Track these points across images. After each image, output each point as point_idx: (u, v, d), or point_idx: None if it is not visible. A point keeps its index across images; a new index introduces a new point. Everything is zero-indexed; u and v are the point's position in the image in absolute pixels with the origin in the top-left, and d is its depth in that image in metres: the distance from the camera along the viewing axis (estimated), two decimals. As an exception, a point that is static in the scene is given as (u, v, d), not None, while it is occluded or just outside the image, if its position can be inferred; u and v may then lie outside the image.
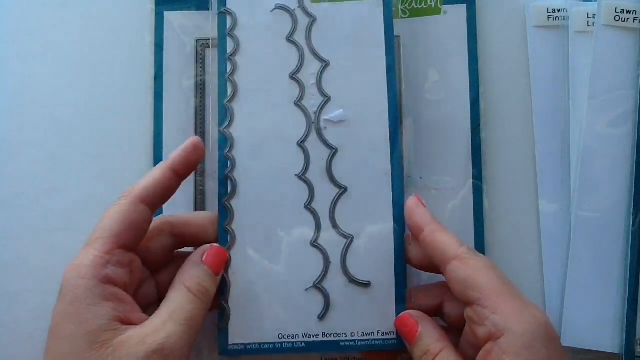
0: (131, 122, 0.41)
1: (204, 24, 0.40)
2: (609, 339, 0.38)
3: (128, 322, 0.31)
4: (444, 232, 0.34)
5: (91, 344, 0.29)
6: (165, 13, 0.41)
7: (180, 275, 0.33)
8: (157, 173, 0.34)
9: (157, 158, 0.40)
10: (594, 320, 0.38)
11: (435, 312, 0.36)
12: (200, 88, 0.40)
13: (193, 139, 0.36)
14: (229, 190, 0.36)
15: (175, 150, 0.35)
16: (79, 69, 0.42)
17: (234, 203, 0.36)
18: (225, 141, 0.37)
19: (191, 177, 0.39)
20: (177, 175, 0.35)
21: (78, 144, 0.41)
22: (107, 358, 0.29)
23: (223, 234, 0.36)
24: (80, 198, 0.40)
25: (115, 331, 0.30)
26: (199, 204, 0.40)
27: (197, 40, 0.41)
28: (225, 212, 0.36)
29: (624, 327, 0.37)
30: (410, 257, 0.36)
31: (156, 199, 0.34)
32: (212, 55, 0.39)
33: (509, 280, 0.33)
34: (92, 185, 0.41)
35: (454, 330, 0.35)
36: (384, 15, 0.38)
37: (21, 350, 0.39)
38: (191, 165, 0.35)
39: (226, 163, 0.37)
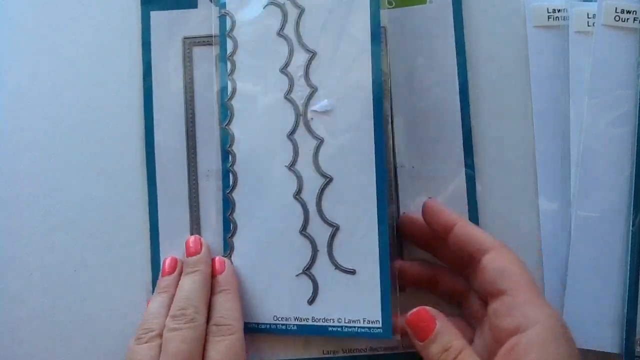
0: (123, 122, 0.41)
1: (190, 22, 0.41)
2: (609, 339, 0.38)
3: None
4: (475, 226, 0.36)
5: None
6: (152, 13, 0.41)
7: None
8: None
9: (149, 157, 0.40)
10: (594, 320, 0.38)
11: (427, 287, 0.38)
12: (189, 86, 0.41)
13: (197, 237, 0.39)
14: (230, 183, 0.39)
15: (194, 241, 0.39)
16: (73, 70, 0.42)
17: (235, 195, 0.39)
18: (227, 137, 0.39)
19: (185, 177, 0.40)
20: None
21: (75, 144, 0.41)
22: None
23: (227, 224, 0.39)
24: (80, 198, 0.40)
25: None
26: (193, 201, 0.40)
27: (184, 38, 0.41)
28: (228, 204, 0.39)
29: (624, 326, 0.37)
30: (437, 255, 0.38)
31: None
32: (213, 54, 0.40)
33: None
34: (91, 185, 0.41)
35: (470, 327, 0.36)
36: (369, 4, 0.38)
37: (21, 351, 0.39)
38: None
39: (228, 158, 0.39)
